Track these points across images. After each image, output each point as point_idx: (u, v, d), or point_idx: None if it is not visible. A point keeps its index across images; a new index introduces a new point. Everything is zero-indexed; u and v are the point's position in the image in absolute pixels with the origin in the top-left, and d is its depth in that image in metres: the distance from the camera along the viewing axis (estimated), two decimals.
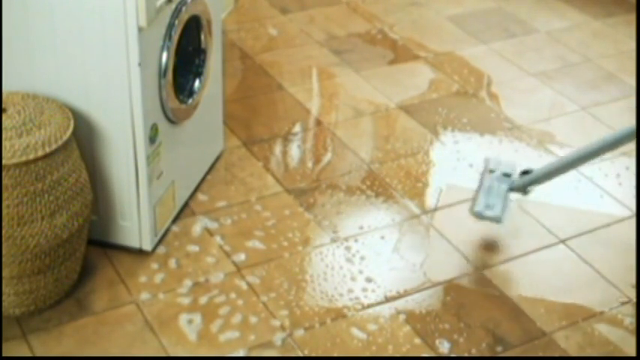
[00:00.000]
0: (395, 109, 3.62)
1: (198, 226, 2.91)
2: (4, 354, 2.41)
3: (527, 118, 3.58)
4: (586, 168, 3.31)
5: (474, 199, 2.93)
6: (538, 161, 3.34)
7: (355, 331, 2.56)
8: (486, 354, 2.51)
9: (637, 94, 3.79)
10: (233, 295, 2.65)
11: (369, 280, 2.74)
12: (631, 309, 2.70)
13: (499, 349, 2.53)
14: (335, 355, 2.49)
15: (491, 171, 3.02)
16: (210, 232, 2.89)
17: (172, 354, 2.45)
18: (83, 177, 2.50)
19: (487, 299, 2.71)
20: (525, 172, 2.96)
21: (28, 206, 2.34)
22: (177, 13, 2.59)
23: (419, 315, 2.63)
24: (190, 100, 2.83)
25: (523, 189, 2.95)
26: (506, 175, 2.99)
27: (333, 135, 3.42)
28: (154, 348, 2.47)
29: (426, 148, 3.36)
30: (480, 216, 2.87)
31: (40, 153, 2.32)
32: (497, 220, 2.86)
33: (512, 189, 2.95)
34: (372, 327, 2.58)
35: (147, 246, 2.76)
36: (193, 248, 2.82)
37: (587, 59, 4.07)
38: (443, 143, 3.41)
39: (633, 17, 4.32)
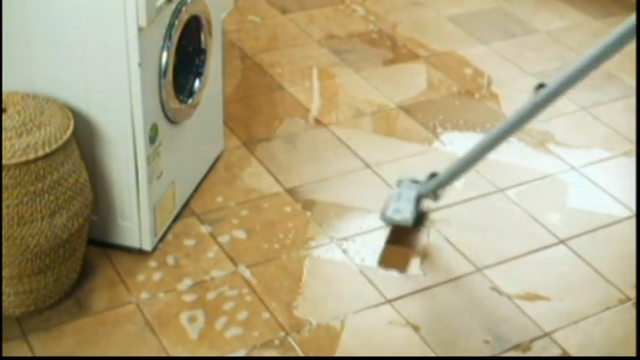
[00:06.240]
0: (395, 109, 3.62)
1: (198, 226, 2.91)
2: (4, 354, 2.41)
3: None
4: (586, 168, 3.30)
5: (384, 207, 2.93)
6: (538, 161, 3.34)
7: (355, 332, 2.56)
8: (486, 354, 2.51)
9: (637, 94, 3.79)
10: (233, 295, 2.65)
11: (369, 280, 2.74)
12: (631, 309, 2.69)
13: (499, 349, 2.53)
14: (335, 355, 2.49)
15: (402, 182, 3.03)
16: (209, 232, 2.89)
17: (172, 354, 2.45)
18: (83, 177, 2.50)
19: (487, 299, 2.71)
20: (432, 176, 2.93)
21: (28, 206, 2.34)
22: (177, 13, 2.59)
23: (419, 315, 2.63)
24: (190, 100, 2.83)
25: (432, 193, 2.93)
26: (415, 182, 2.98)
27: (333, 135, 3.42)
28: (153, 348, 2.47)
29: (426, 149, 3.36)
30: (388, 220, 2.90)
31: (40, 153, 2.32)
32: (406, 222, 2.88)
33: (420, 194, 2.94)
34: (372, 327, 2.58)
35: (147, 246, 2.76)
36: (193, 248, 2.82)
37: None
38: (443, 143, 3.41)
39: (633, 17, 4.31)
